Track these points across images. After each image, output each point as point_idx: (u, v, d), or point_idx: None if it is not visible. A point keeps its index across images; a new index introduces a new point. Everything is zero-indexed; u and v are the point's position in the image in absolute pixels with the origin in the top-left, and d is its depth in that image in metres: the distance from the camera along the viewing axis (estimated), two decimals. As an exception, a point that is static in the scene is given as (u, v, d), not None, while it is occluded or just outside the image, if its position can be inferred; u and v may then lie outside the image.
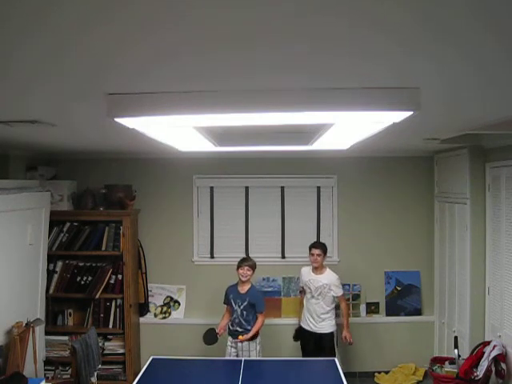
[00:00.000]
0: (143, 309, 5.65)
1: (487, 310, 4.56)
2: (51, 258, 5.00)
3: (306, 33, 1.30)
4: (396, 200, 5.64)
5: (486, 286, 4.58)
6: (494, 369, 4.09)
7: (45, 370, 4.74)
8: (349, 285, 5.57)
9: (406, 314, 5.65)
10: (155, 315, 5.70)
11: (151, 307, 5.70)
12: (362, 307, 5.66)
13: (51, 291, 5.17)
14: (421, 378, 5.38)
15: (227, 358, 4.62)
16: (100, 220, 5.26)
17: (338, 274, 4.89)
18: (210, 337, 4.62)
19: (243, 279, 4.66)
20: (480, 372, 4.05)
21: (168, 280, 5.71)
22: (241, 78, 1.86)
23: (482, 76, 1.85)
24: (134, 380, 4.00)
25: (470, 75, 1.84)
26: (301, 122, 2.46)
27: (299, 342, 5.01)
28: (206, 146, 3.68)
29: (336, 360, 4.35)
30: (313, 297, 4.85)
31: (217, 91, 2.01)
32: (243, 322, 4.61)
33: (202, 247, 5.71)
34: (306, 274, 4.96)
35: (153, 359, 4.36)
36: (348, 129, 2.87)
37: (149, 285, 5.68)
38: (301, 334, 4.97)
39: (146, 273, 5.66)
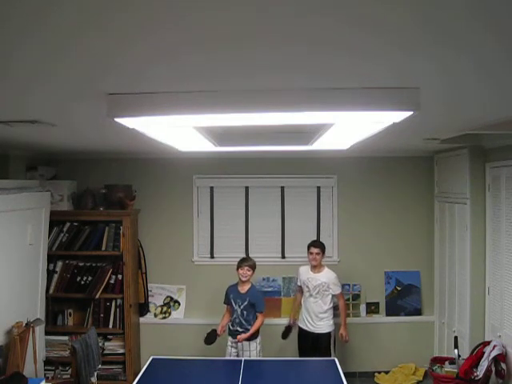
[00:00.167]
0: (143, 309, 5.65)
1: (487, 309, 4.56)
2: (51, 258, 5.00)
3: (306, 33, 1.30)
4: (396, 200, 5.64)
5: (485, 286, 4.58)
6: (493, 369, 4.09)
7: (45, 370, 4.74)
8: (349, 285, 5.58)
9: (406, 314, 5.65)
10: (155, 315, 5.70)
11: (151, 307, 5.70)
12: (362, 307, 5.66)
13: (51, 291, 5.17)
14: (421, 378, 5.38)
15: (227, 357, 4.63)
16: (100, 220, 5.26)
17: (337, 274, 4.89)
18: (211, 337, 4.63)
19: (243, 279, 4.66)
20: (480, 372, 4.05)
21: (168, 280, 5.71)
22: (241, 78, 1.86)
23: (481, 76, 1.85)
24: (133, 380, 4.00)
25: (469, 75, 1.84)
26: (301, 122, 2.46)
27: (298, 342, 4.99)
28: (206, 146, 3.68)
29: (336, 360, 4.35)
30: (311, 295, 4.85)
31: (217, 91, 2.01)
32: (243, 322, 4.61)
33: (202, 247, 5.71)
34: (305, 272, 4.95)
35: (153, 359, 4.36)
36: (348, 129, 2.87)
37: (149, 285, 5.68)
38: (299, 334, 4.97)
39: (146, 273, 5.66)
